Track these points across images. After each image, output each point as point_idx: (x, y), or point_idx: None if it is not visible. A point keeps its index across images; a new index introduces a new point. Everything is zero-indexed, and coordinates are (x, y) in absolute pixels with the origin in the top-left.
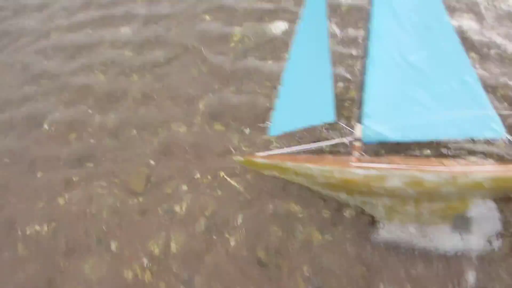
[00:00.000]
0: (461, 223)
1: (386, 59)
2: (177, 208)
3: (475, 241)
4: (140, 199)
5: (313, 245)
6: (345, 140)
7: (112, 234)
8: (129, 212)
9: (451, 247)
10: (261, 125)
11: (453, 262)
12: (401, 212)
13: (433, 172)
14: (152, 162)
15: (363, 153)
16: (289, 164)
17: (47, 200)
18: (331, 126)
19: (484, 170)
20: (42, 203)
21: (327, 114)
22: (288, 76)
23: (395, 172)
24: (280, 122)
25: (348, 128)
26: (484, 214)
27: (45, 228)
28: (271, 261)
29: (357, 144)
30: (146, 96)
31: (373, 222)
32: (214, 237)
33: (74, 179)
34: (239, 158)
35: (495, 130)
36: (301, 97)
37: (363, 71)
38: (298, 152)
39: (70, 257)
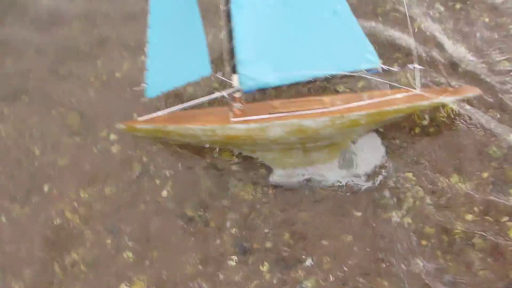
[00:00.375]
0: (345, 159)
1: None
2: (114, 149)
3: (360, 173)
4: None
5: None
6: (224, 93)
7: (45, 174)
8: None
9: (339, 181)
10: (135, 88)
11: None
12: (290, 157)
13: (311, 117)
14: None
15: (243, 102)
16: (171, 127)
17: None
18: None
19: (359, 107)
20: None
21: (203, 68)
22: (154, 32)
23: (275, 122)
24: (156, 82)
25: (226, 80)
26: (365, 146)
27: None
28: (199, 216)
29: (237, 95)
30: None
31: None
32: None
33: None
34: (121, 126)
35: (371, 60)
36: (173, 53)
37: (228, 16)
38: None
39: None
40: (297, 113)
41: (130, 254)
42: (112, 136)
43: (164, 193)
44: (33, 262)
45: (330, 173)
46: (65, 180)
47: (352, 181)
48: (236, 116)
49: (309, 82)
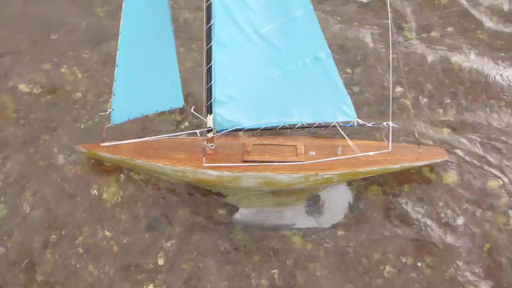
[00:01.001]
0: (313, 204)
1: (232, 36)
2: None
3: (325, 220)
4: None
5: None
6: (197, 131)
7: None
8: None
9: (304, 225)
10: (101, 113)
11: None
12: (259, 198)
13: (285, 171)
14: None
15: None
16: (139, 162)
17: None
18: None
19: (332, 164)
20: None
21: (175, 99)
22: (124, 56)
23: (248, 174)
24: (123, 108)
25: (199, 116)
26: (335, 196)
27: None
28: None
29: (210, 135)
30: None
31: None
32: None
33: None
34: (81, 149)
35: (347, 113)
36: (143, 80)
37: (209, 55)
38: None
39: None
40: (271, 164)
41: None
42: None
43: None
44: None
45: (298, 218)
46: None
47: (317, 226)
48: (207, 157)
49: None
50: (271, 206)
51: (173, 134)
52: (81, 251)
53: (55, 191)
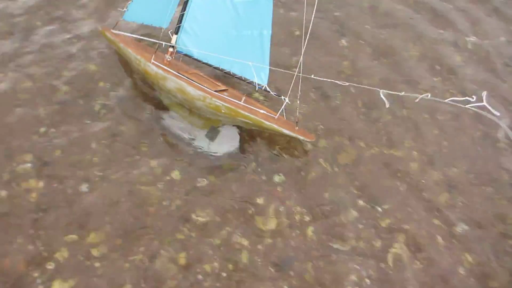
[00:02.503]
0: (212, 133)
1: None
2: None
3: (214, 148)
4: None
5: None
6: (162, 42)
7: None
8: None
9: (201, 146)
10: (119, 9)
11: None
12: (181, 109)
13: (192, 86)
14: None
15: (172, 57)
16: (120, 45)
17: None
18: None
19: (226, 99)
20: None
21: (164, 21)
22: None
23: (171, 77)
24: (134, 12)
25: (170, 35)
26: (228, 133)
27: None
28: None
29: (170, 49)
30: None
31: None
32: None
33: None
34: (99, 27)
35: (262, 79)
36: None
37: None
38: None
39: None
40: (190, 80)
41: None
42: None
43: None
44: None
45: (200, 137)
46: None
47: (208, 150)
48: (156, 61)
49: (217, 68)
50: (187, 122)
51: (146, 38)
52: None
53: None
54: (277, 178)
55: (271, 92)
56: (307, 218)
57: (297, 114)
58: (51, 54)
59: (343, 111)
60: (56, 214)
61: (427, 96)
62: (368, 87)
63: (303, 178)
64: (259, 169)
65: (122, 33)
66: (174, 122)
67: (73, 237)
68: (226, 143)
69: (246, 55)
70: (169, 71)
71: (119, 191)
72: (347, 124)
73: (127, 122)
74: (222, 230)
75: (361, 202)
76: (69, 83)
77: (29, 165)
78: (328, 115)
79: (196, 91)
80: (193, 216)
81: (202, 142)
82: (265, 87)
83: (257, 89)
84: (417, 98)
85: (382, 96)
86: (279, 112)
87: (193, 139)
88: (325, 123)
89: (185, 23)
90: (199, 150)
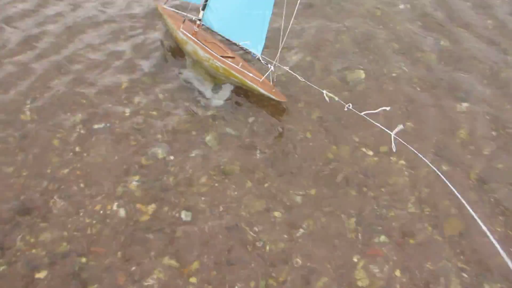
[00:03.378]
0: (217, 88)
1: None
2: None
3: (216, 100)
4: None
5: None
6: (194, 17)
7: None
8: None
9: (208, 96)
10: None
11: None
12: (199, 67)
13: (203, 50)
14: None
15: (198, 28)
16: (165, 16)
17: None
18: None
19: (224, 62)
20: None
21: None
22: None
23: (191, 42)
24: None
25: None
26: (226, 89)
27: None
28: None
29: (198, 22)
30: None
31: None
32: None
33: None
34: (156, 3)
35: (257, 49)
36: None
37: None
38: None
39: None
40: (204, 46)
41: None
42: None
43: None
44: None
45: (206, 89)
46: None
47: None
48: (184, 29)
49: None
50: (202, 78)
51: (184, 14)
52: None
53: None
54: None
55: (262, 61)
56: None
57: (275, 79)
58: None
59: None
60: (159, 237)
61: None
62: None
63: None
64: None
65: (168, 8)
66: (194, 80)
67: (172, 262)
68: (223, 96)
69: (251, 30)
70: (189, 37)
71: (220, 224)
72: None
73: None
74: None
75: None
76: None
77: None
78: None
79: (204, 53)
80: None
81: (208, 93)
82: (258, 56)
83: (253, 57)
84: None
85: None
86: (264, 76)
87: (201, 92)
88: None
89: (210, 2)
90: (205, 99)
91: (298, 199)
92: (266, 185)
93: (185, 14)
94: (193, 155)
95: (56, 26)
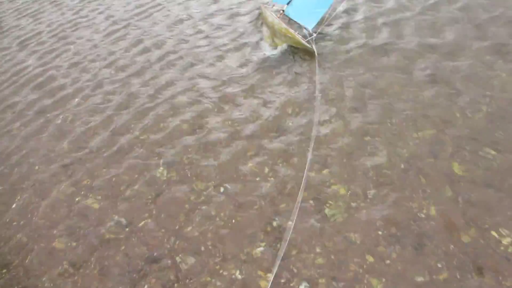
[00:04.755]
0: (276, 47)
1: None
2: None
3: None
4: None
5: None
6: (280, 9)
7: None
8: None
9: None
10: None
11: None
12: (274, 39)
13: (273, 18)
14: None
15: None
16: (262, 9)
17: None
18: None
19: (282, 24)
20: None
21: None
22: None
23: (274, 17)
24: None
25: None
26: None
27: None
28: None
29: (281, 11)
30: None
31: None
32: None
33: None
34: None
35: (310, 26)
36: None
37: None
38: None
39: None
40: (276, 18)
41: None
42: None
43: None
44: None
45: (270, 49)
46: None
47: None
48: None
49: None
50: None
51: (275, 8)
52: None
53: None
54: None
55: (312, 33)
56: None
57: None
58: None
59: None
60: None
61: None
62: None
63: None
64: None
65: (265, 5)
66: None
67: None
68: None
69: (313, 10)
70: (271, 15)
71: None
72: None
73: None
74: None
75: None
76: None
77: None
78: None
79: (274, 19)
80: None
81: (270, 51)
82: (309, 30)
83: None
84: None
85: None
86: (309, 37)
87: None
88: None
89: (293, 1)
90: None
91: None
92: None
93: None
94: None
95: None
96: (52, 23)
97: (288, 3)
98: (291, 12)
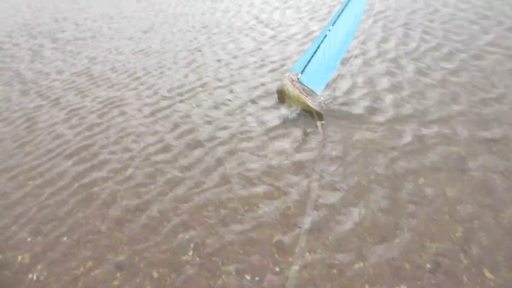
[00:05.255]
0: (291, 109)
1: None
2: None
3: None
4: None
5: None
6: (294, 77)
7: None
8: None
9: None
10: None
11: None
12: (290, 104)
13: (288, 87)
14: None
15: (296, 82)
16: (282, 77)
17: None
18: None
19: (295, 91)
20: None
21: (299, 67)
22: (322, 38)
23: (286, 84)
24: (297, 67)
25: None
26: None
27: None
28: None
29: (296, 79)
30: None
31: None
32: None
33: None
34: (281, 72)
35: (319, 90)
36: (314, 62)
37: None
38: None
39: None
40: (292, 87)
41: None
42: None
43: None
44: None
45: (286, 111)
46: None
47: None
48: (287, 81)
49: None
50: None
51: (291, 77)
52: None
53: None
54: None
55: (318, 95)
56: None
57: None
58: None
59: None
60: None
61: None
62: None
63: None
64: None
65: (284, 74)
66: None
67: None
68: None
69: (321, 80)
70: (287, 83)
71: None
72: None
73: None
74: None
75: None
76: None
77: None
78: None
79: (288, 88)
80: None
81: (286, 112)
82: (318, 93)
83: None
84: None
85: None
86: (317, 102)
87: (285, 114)
88: None
89: (306, 69)
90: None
91: None
92: None
93: (289, 75)
94: None
95: None
96: (97, 98)
97: (301, 72)
98: (304, 79)
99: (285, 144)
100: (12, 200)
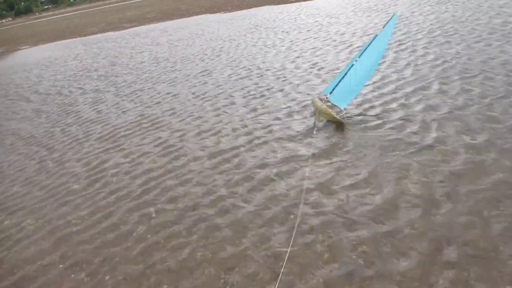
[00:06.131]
0: (318, 123)
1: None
2: None
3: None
4: None
5: None
6: (324, 97)
7: None
8: None
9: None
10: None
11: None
12: (318, 117)
13: (318, 103)
14: None
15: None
16: (315, 99)
17: None
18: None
19: (322, 106)
20: None
21: (328, 89)
22: (350, 66)
23: (317, 101)
24: (327, 89)
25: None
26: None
27: None
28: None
29: (325, 98)
30: None
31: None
32: None
33: None
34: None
35: (343, 106)
36: (341, 86)
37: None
38: None
39: None
40: (321, 103)
41: None
42: None
43: None
44: None
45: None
46: None
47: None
48: (319, 100)
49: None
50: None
51: (321, 97)
52: None
53: None
54: None
55: (343, 110)
56: None
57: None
58: None
59: None
60: None
61: None
62: None
63: None
64: None
65: (315, 96)
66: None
67: None
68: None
69: (346, 98)
70: (318, 101)
71: None
72: None
73: None
74: None
75: None
76: None
77: None
78: None
79: (317, 103)
80: None
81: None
82: (342, 109)
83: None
84: None
85: None
86: (340, 114)
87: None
88: None
89: (334, 91)
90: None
91: None
92: None
93: (318, 95)
94: None
95: None
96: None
97: (330, 93)
98: (332, 98)
99: None
100: None
